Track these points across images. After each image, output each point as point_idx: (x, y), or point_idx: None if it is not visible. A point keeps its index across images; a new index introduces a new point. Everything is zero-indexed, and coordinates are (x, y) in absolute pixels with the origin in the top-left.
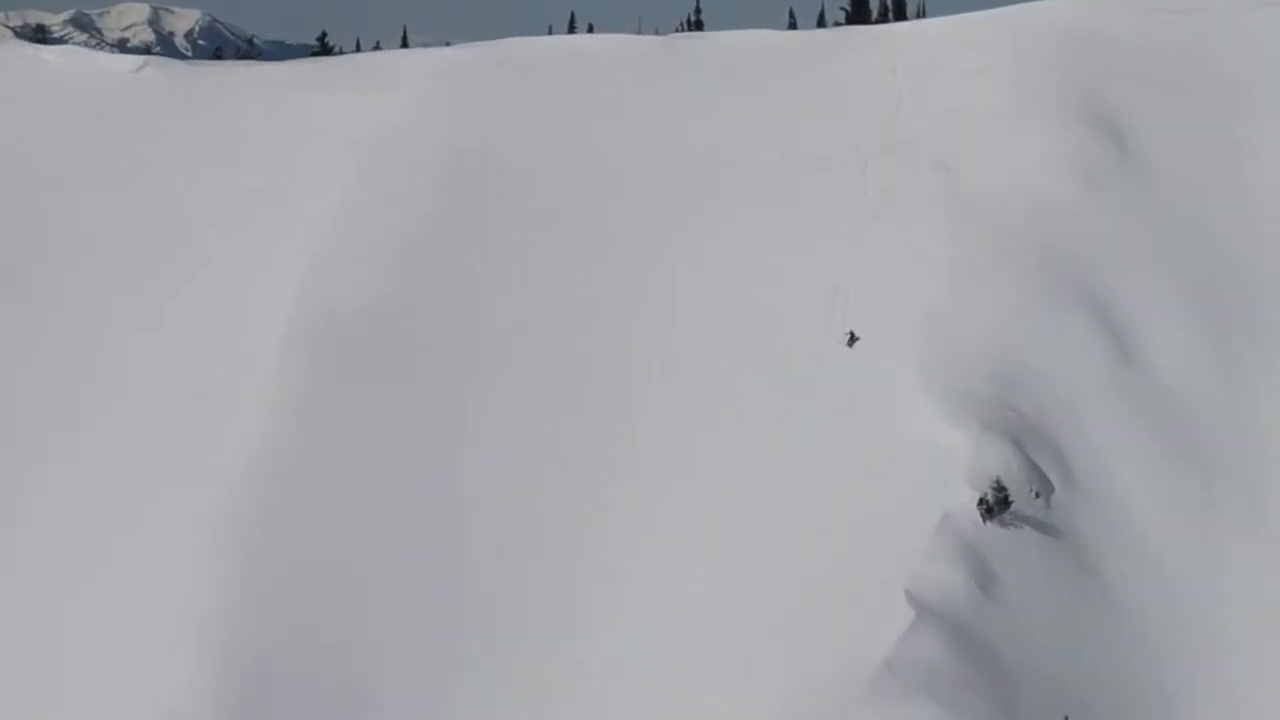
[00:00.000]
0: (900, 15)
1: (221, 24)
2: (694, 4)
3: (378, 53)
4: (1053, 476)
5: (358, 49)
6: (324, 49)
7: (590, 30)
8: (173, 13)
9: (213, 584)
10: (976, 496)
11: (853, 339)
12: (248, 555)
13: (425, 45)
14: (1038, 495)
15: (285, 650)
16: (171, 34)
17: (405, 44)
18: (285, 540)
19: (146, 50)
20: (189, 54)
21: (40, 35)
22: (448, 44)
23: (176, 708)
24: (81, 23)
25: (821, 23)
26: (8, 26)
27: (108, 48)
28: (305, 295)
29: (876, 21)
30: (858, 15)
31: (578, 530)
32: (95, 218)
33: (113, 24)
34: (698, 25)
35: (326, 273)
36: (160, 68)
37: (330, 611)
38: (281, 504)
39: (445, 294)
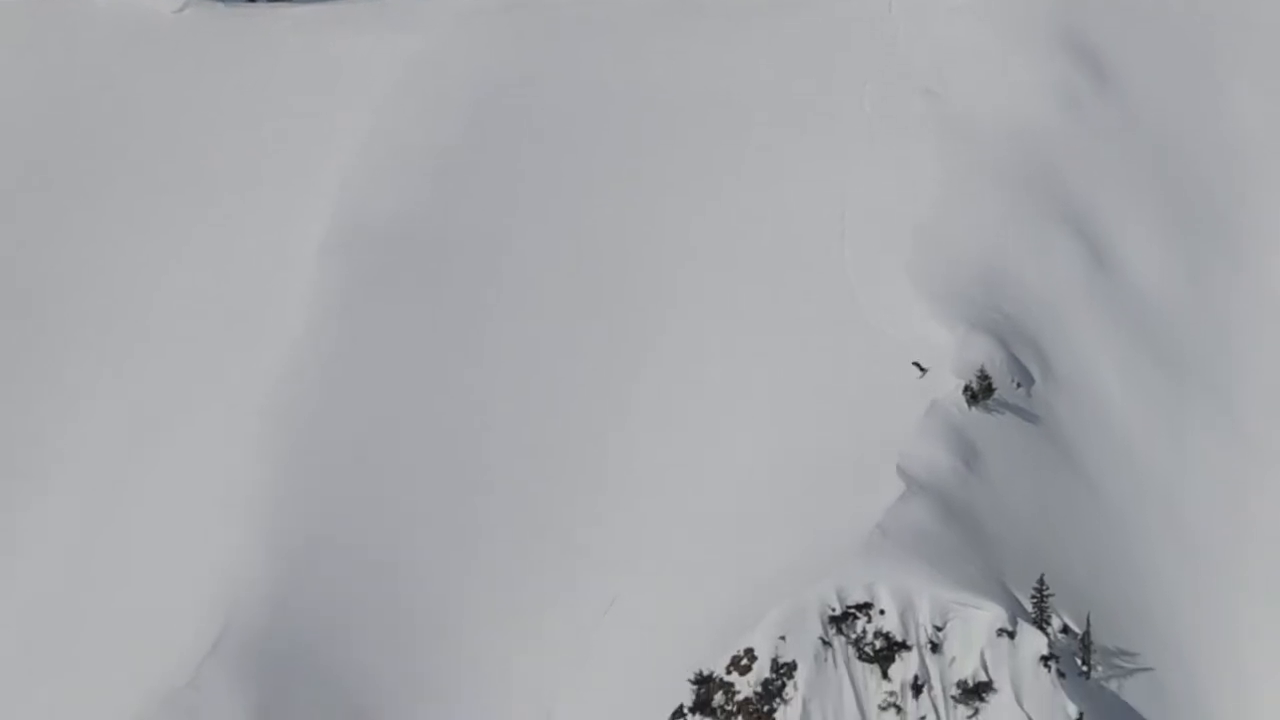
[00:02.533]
0: None
1: None
2: None
3: None
4: (1033, 370)
5: None
6: None
7: None
8: None
9: (259, 468)
10: (962, 385)
11: (922, 370)
12: (289, 442)
13: None
14: (1019, 386)
15: (327, 523)
16: None
17: None
18: (323, 428)
19: None
20: None
21: None
22: None
23: (232, 577)
24: None
25: None
26: None
27: None
28: (341, 208)
29: None
30: None
31: (597, 414)
32: (146, 144)
33: None
34: None
35: (361, 188)
36: (200, 8)
37: (368, 490)
38: (319, 396)
39: (472, 207)
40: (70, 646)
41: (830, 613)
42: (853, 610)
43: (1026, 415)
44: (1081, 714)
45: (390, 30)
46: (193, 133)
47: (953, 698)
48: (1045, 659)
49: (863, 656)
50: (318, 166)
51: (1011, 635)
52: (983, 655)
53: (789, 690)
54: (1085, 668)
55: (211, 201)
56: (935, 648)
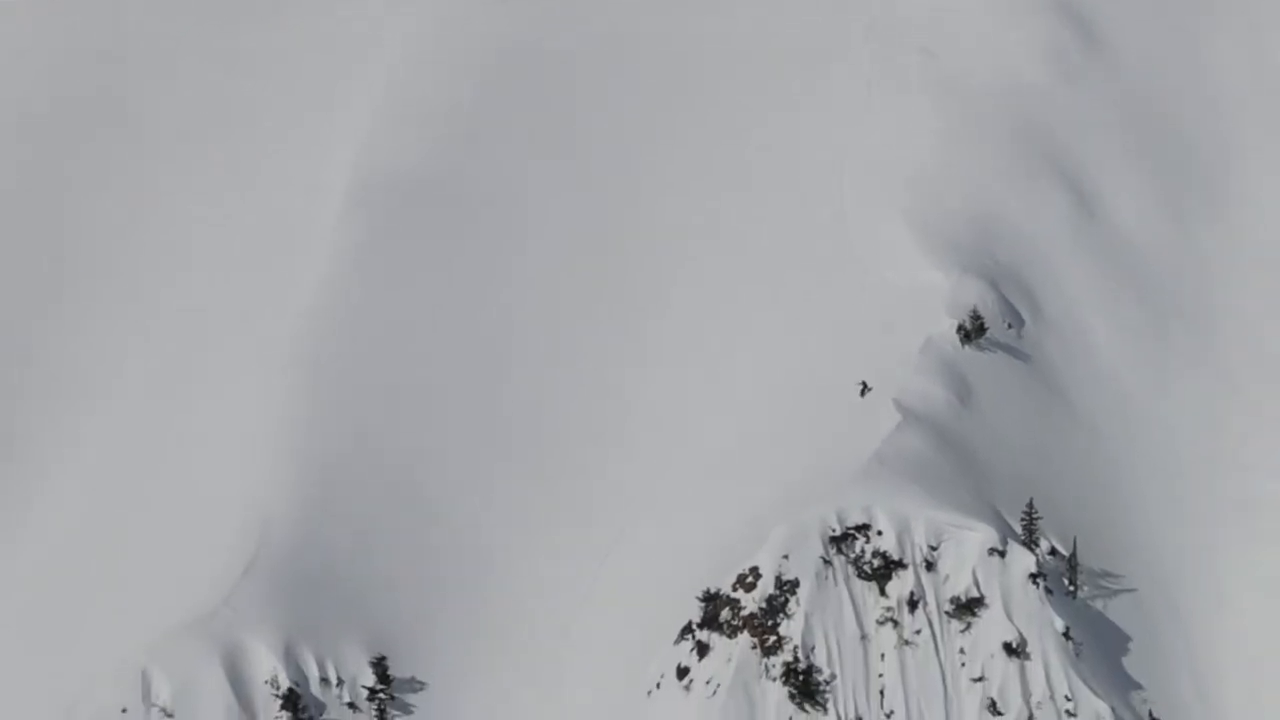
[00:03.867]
0: None
1: None
2: None
3: None
4: (1024, 311)
5: None
6: None
7: None
8: None
9: (288, 398)
10: (956, 324)
11: (865, 389)
12: (317, 375)
13: None
14: (1010, 326)
15: (352, 452)
16: None
17: None
18: (350, 362)
19: None
20: None
21: None
22: None
23: (261, 498)
24: None
25: None
26: None
27: None
28: (364, 158)
29: None
30: None
31: (608, 354)
32: (174, 96)
33: None
34: None
35: (382, 139)
36: None
37: (390, 422)
38: (346, 333)
39: (491, 159)
40: (111, 572)
41: (831, 533)
42: (852, 531)
43: (1017, 353)
44: (1068, 628)
45: None
46: (223, 84)
47: (946, 613)
48: (1034, 577)
49: (861, 574)
50: (338, 122)
51: (1002, 555)
52: (975, 573)
53: (792, 606)
54: (1071, 587)
55: (244, 150)
56: (930, 566)
